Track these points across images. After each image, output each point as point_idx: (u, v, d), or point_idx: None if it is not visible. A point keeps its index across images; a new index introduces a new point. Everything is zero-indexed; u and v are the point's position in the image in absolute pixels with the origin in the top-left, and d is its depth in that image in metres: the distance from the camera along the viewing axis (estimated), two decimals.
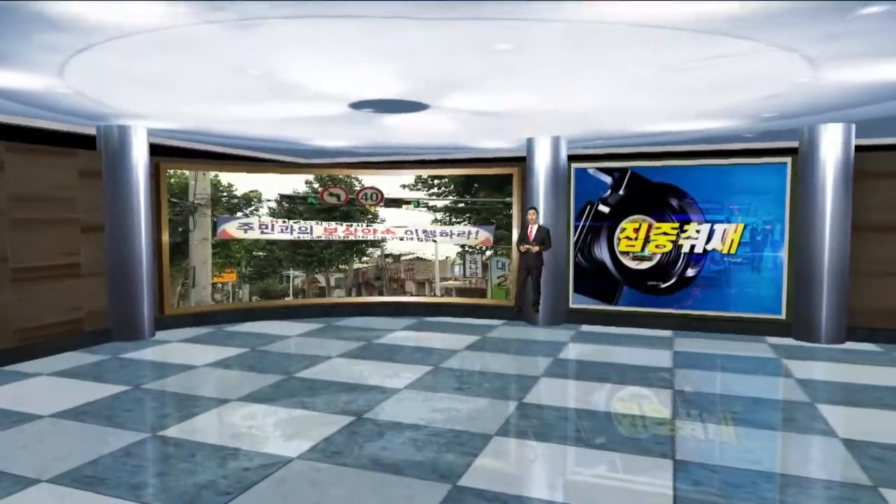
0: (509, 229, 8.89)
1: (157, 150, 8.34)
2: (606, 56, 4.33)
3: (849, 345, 7.23)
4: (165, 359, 6.59)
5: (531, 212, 8.25)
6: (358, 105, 5.93)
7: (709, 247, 7.92)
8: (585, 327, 8.30)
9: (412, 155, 10.60)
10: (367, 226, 9.17)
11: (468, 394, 5.28)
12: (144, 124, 7.23)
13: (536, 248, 8.09)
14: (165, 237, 7.97)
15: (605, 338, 7.65)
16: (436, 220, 9.20)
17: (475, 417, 4.67)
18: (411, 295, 9.30)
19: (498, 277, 9.04)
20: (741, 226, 7.78)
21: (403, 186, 9.21)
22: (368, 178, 9.19)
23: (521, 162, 8.68)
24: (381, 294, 9.28)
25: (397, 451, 4.00)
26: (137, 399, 5.10)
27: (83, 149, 7.13)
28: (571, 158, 8.51)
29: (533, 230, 8.24)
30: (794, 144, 7.62)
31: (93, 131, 7.41)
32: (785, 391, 5.41)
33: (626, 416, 4.75)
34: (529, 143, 8.43)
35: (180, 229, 8.17)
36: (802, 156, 7.39)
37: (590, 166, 8.44)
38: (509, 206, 8.87)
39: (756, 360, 6.54)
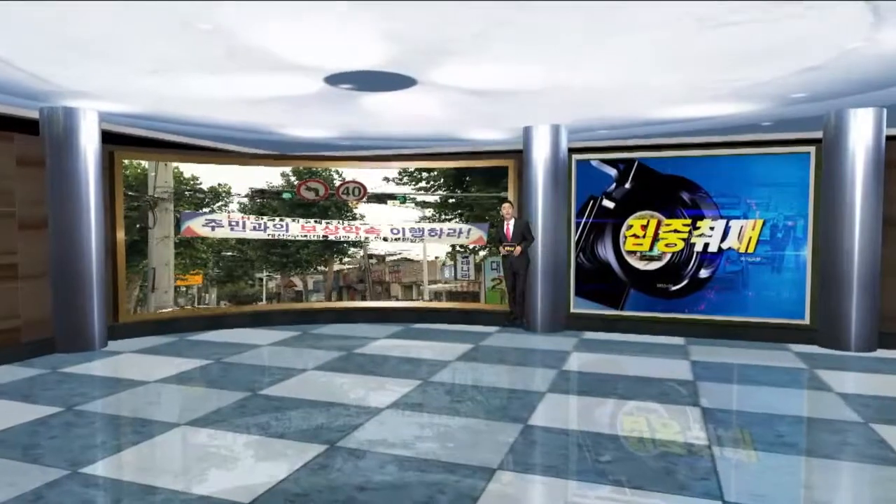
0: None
1: (113, 139, 7.50)
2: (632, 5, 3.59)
3: (881, 353, 6.54)
4: (114, 373, 5.73)
5: (505, 206, 7.55)
6: (335, 79, 5.14)
7: (724, 245, 7.20)
8: (589, 334, 7.54)
9: (398, 149, 9.83)
10: (349, 223, 8.36)
11: (463, 414, 4.49)
12: (94, 106, 6.40)
13: (519, 249, 7.37)
14: (120, 235, 7.10)
15: (612, 346, 6.90)
16: (424, 218, 8.41)
17: (473, 445, 3.88)
18: (397, 299, 8.50)
19: (492, 280, 8.27)
20: (760, 222, 7.07)
21: (387, 180, 8.40)
22: (350, 172, 8.38)
23: (517, 155, 7.94)
24: (363, 298, 8.47)
25: (378, 492, 3.20)
26: (67, 424, 4.25)
27: (24, 134, 6.27)
28: (573, 151, 7.78)
29: (510, 226, 7.52)
30: (813, 135, 6.96)
31: (37, 115, 6.54)
32: (829, 408, 4.68)
33: (654, 443, 3.98)
34: (526, 133, 7.67)
35: (138, 226, 7.31)
36: (827, 144, 6.70)
37: (593, 157, 7.71)
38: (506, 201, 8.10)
39: (785, 370, 5.82)
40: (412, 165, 8.46)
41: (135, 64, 4.78)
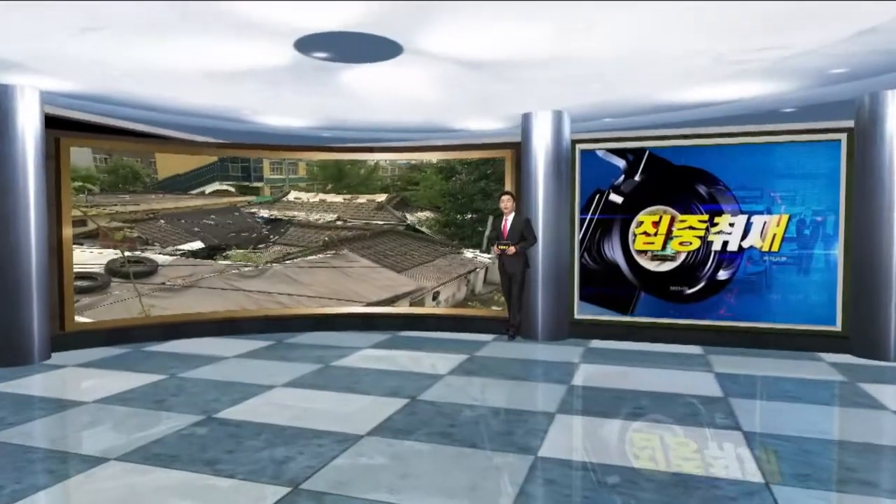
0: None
1: (61, 125, 6.68)
2: None
3: None
4: (48, 391, 4.90)
5: (504, 198, 6.82)
6: (307, 44, 4.36)
7: (745, 243, 6.49)
8: (596, 343, 6.79)
9: (385, 142, 9.07)
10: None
11: (459, 443, 3.70)
12: (33, 82, 5.58)
13: (514, 249, 6.64)
14: (68, 231, 6.27)
15: (624, 356, 6.15)
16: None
17: (474, 486, 3.09)
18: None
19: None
20: (785, 217, 6.37)
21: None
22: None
23: (516, 146, 7.19)
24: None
25: None
26: None
27: None
28: (577, 142, 7.05)
29: (508, 222, 6.79)
30: (840, 124, 6.28)
31: None
32: (894, 432, 3.95)
33: (697, 481, 3.21)
34: (526, 120, 6.94)
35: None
36: (861, 131, 6.03)
37: (599, 147, 6.98)
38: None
39: (824, 384, 5.10)
40: (402, 157, 7.69)
41: (59, 18, 3.95)
